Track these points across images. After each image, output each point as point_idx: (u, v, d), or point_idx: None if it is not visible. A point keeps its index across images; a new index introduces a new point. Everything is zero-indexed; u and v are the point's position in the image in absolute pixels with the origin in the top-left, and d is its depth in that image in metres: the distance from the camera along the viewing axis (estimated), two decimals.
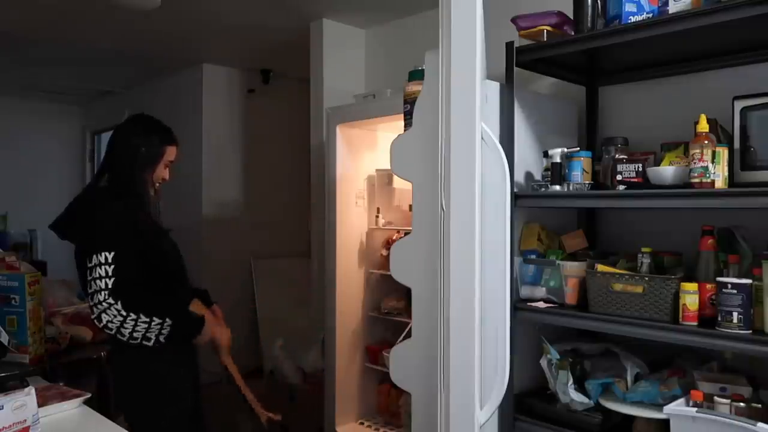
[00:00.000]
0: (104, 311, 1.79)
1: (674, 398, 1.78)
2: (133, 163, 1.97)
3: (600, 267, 1.95)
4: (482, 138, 1.81)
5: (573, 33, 2.07)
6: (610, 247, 2.31)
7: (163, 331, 1.86)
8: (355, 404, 3.29)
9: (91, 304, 1.81)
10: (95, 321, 1.83)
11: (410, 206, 2.18)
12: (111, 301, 1.78)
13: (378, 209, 3.27)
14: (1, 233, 5.95)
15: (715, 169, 1.69)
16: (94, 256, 1.80)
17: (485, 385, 1.82)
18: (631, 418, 1.88)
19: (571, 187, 2.04)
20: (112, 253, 1.80)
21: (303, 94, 4.01)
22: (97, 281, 1.79)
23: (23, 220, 6.12)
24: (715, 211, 1.87)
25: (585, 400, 1.94)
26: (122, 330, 1.80)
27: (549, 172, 2.07)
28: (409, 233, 2.13)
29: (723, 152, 1.71)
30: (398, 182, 3.16)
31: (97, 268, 1.79)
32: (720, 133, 1.87)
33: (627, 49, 2.01)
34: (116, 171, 1.98)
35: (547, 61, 2.16)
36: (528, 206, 2.11)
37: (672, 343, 1.77)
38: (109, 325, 1.80)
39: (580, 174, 2.05)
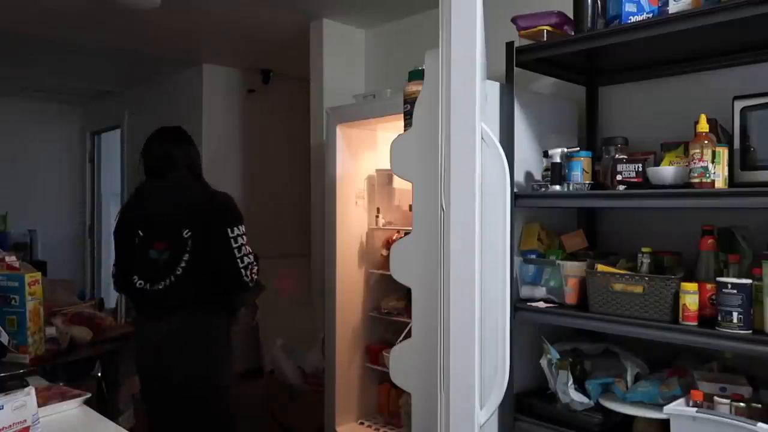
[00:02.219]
0: (252, 268, 2.25)
1: (674, 398, 1.78)
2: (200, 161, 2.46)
3: (600, 267, 1.95)
4: (482, 138, 1.81)
5: (573, 33, 2.07)
6: (610, 247, 2.31)
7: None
8: (355, 404, 3.29)
9: (242, 265, 2.23)
10: (249, 282, 2.25)
11: (410, 206, 2.18)
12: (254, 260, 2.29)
13: (378, 209, 3.27)
14: (1, 233, 5.95)
15: (715, 169, 1.69)
16: (235, 228, 2.25)
17: (485, 385, 1.81)
18: (631, 418, 1.88)
19: (571, 187, 2.04)
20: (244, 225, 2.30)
21: (303, 94, 4.01)
22: (245, 247, 2.25)
23: (23, 220, 6.12)
24: (715, 211, 1.88)
25: (585, 400, 1.94)
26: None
27: (549, 172, 2.07)
28: (409, 233, 2.13)
29: (723, 152, 1.71)
30: (398, 182, 3.16)
31: (240, 237, 2.25)
32: (720, 133, 1.87)
33: (627, 49, 2.01)
34: (196, 166, 2.42)
35: (547, 61, 2.16)
36: (528, 206, 2.11)
37: (672, 343, 1.77)
38: (254, 278, 2.27)
39: (580, 174, 2.05)
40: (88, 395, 1.69)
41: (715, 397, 1.68)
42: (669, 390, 1.84)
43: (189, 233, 2.21)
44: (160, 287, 2.19)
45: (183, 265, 2.20)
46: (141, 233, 2.25)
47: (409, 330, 2.18)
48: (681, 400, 1.75)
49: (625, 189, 1.90)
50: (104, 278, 6.63)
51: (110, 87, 5.90)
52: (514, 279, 2.06)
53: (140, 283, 2.22)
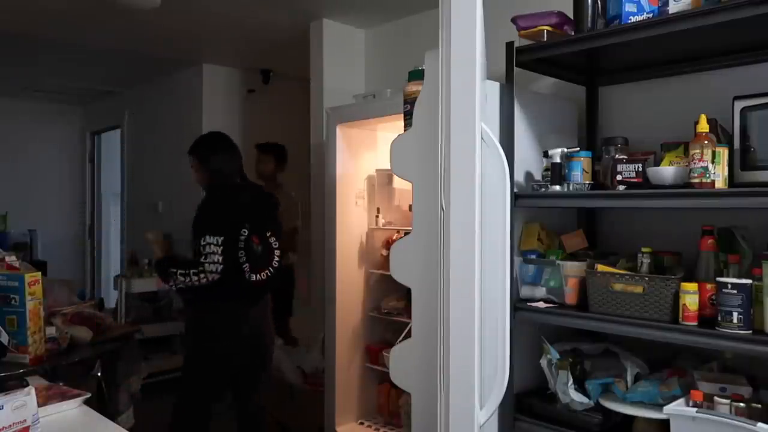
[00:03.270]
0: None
1: (674, 398, 1.78)
2: None
3: (600, 267, 1.95)
4: (482, 138, 1.81)
5: (573, 33, 2.07)
6: (610, 247, 2.31)
7: None
8: (355, 404, 3.29)
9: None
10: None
11: (410, 206, 2.18)
12: None
13: (378, 209, 3.27)
14: (1, 233, 5.95)
15: (715, 169, 1.69)
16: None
17: (485, 385, 1.81)
18: (631, 418, 1.88)
19: (571, 187, 2.04)
20: None
21: (303, 94, 4.01)
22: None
23: (23, 220, 6.12)
24: (715, 211, 1.88)
25: (585, 400, 1.94)
26: None
27: (549, 172, 2.07)
28: (409, 233, 2.13)
29: (723, 152, 1.71)
30: (398, 182, 3.16)
31: None
32: (720, 133, 1.87)
33: (627, 49, 2.01)
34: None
35: (547, 61, 2.16)
36: (528, 206, 2.11)
37: (672, 343, 1.77)
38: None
39: (580, 174, 2.05)
40: (88, 395, 1.69)
41: (715, 397, 1.68)
42: (669, 390, 1.84)
43: (270, 232, 2.62)
44: (264, 277, 2.55)
45: (277, 258, 2.63)
46: (247, 228, 2.52)
47: (409, 330, 2.18)
48: (681, 400, 1.75)
49: (625, 189, 1.90)
50: (104, 278, 6.63)
51: (110, 87, 5.90)
52: (514, 279, 2.06)
53: (248, 273, 2.51)
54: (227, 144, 2.67)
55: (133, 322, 4.11)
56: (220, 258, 2.36)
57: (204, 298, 2.47)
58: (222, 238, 2.38)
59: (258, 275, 2.52)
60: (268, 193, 2.79)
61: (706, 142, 1.70)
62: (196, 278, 2.36)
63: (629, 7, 1.88)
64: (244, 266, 2.48)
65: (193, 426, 2.51)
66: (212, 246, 2.36)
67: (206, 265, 2.35)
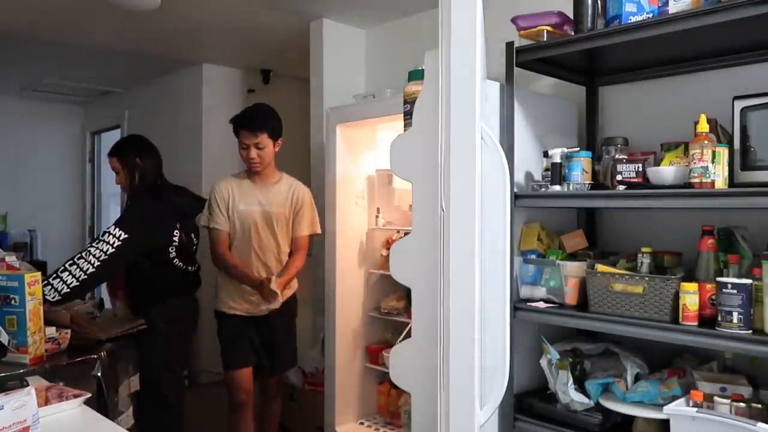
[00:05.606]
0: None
1: (674, 398, 1.79)
2: None
3: (600, 267, 1.95)
4: (482, 138, 1.81)
5: (573, 33, 2.07)
6: (610, 247, 2.31)
7: None
8: (355, 404, 3.29)
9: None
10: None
11: (410, 206, 2.18)
12: None
13: (378, 209, 3.27)
14: (1, 233, 5.95)
15: (715, 169, 1.69)
16: None
17: (485, 385, 1.81)
18: (631, 418, 1.88)
19: (571, 187, 2.04)
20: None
21: (303, 94, 4.01)
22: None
23: (23, 220, 6.12)
24: (715, 211, 1.88)
25: (585, 400, 1.94)
26: None
27: (549, 172, 2.07)
28: (409, 233, 2.13)
29: (723, 152, 1.71)
30: (398, 182, 3.15)
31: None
32: (720, 133, 1.87)
33: (627, 49, 2.01)
34: None
35: (547, 61, 2.16)
36: (528, 206, 2.11)
37: (672, 343, 1.77)
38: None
39: (580, 174, 2.05)
40: (88, 395, 1.69)
41: (715, 397, 1.68)
42: (669, 390, 1.84)
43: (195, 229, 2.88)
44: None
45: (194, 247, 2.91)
46: (178, 228, 2.69)
47: (409, 330, 2.18)
48: (681, 400, 1.75)
49: (625, 189, 1.90)
50: None
51: (110, 87, 5.90)
52: (514, 279, 2.06)
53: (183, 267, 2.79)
54: (151, 145, 2.79)
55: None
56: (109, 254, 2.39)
57: (168, 294, 2.67)
58: (128, 237, 2.44)
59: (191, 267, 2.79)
60: (195, 195, 2.99)
61: (706, 142, 1.70)
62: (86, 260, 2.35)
63: (629, 7, 1.88)
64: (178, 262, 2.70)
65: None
66: (112, 239, 2.41)
67: (92, 249, 2.37)
